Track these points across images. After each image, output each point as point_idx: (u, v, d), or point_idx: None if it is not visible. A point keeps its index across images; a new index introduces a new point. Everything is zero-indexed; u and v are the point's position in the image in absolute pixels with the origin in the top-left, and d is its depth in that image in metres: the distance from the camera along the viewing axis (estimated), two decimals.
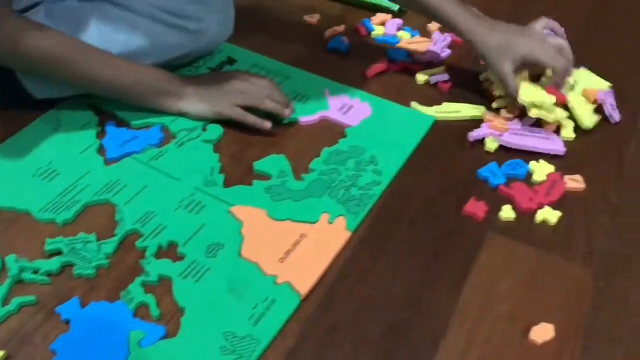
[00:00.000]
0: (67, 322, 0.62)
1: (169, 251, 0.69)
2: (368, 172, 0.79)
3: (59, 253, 0.68)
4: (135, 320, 0.62)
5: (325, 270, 0.68)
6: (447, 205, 0.77)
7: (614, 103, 0.90)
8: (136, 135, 0.82)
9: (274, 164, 0.80)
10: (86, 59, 0.79)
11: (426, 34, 1.06)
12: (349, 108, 0.89)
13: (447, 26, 0.88)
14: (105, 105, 0.86)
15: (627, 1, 1.18)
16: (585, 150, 0.85)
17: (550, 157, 0.82)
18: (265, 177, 0.79)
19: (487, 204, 0.76)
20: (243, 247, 0.69)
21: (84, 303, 0.64)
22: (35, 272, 0.66)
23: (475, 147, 0.84)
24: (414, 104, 0.90)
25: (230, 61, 0.97)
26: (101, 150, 0.81)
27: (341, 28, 1.06)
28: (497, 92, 0.89)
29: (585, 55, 0.93)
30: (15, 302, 0.63)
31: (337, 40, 1.02)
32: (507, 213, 0.75)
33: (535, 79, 0.87)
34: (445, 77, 0.95)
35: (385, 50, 1.01)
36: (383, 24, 1.08)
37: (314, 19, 1.08)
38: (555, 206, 0.76)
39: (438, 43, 1.02)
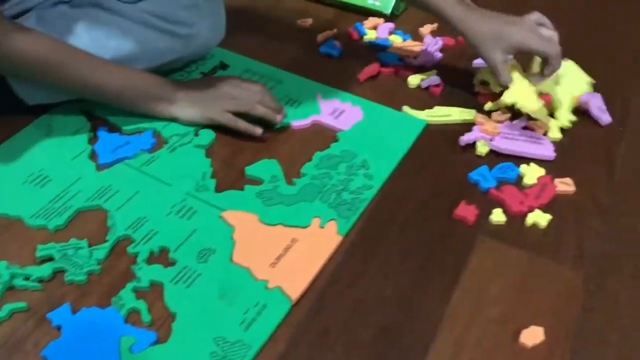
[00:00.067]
0: (58, 328, 0.62)
1: (160, 257, 0.69)
2: (359, 176, 0.79)
3: (50, 259, 0.68)
4: (126, 326, 0.62)
5: (316, 274, 0.68)
6: (438, 208, 0.77)
7: (602, 105, 0.91)
8: (128, 140, 0.83)
9: (265, 168, 0.80)
10: (77, 64, 0.79)
11: (418, 37, 1.06)
12: (341, 112, 0.89)
13: (438, 16, 0.88)
14: (97, 111, 0.86)
15: (617, 2, 1.19)
16: (576, 152, 0.85)
17: (540, 160, 0.83)
18: (256, 181, 0.79)
19: (477, 207, 0.76)
20: (234, 252, 0.69)
21: (75, 309, 0.64)
22: (27, 278, 0.66)
23: (466, 150, 0.85)
24: (406, 108, 0.90)
25: (223, 66, 0.97)
26: (93, 156, 0.81)
27: (333, 32, 1.06)
28: (492, 85, 0.90)
29: (576, 56, 0.93)
30: (6, 308, 0.63)
31: (330, 44, 1.03)
32: (497, 216, 0.75)
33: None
34: (437, 80, 0.95)
35: (377, 54, 1.01)
36: (375, 27, 1.08)
37: (306, 23, 1.09)
38: (545, 209, 0.76)
39: (430, 47, 1.02)
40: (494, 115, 0.88)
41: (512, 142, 0.84)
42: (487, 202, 0.77)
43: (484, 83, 0.94)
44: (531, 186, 0.79)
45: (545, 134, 0.87)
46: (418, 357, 0.62)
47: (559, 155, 0.84)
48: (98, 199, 0.75)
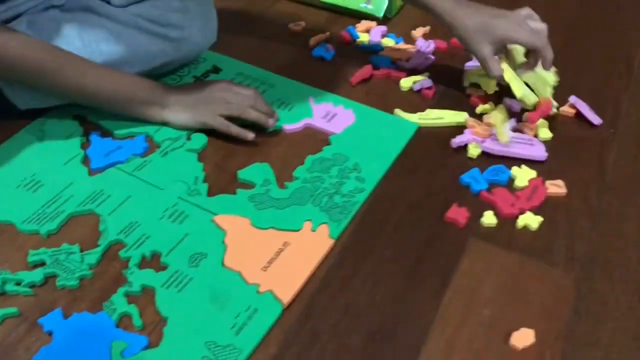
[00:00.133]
0: (50, 333, 0.62)
1: (152, 261, 0.70)
2: (351, 179, 0.80)
3: (42, 264, 0.68)
4: (118, 330, 0.62)
5: (307, 278, 0.68)
6: (429, 211, 0.77)
7: (588, 109, 0.91)
8: (120, 145, 0.83)
9: (257, 172, 0.81)
10: (69, 67, 0.79)
11: (410, 40, 1.07)
12: (333, 115, 0.89)
13: (426, 10, 0.88)
14: (89, 115, 0.86)
15: (610, 5, 1.20)
16: (567, 155, 0.85)
17: (531, 162, 0.83)
18: (249, 185, 0.79)
19: (469, 209, 0.76)
20: (226, 256, 0.70)
21: (67, 314, 0.64)
22: (18, 283, 0.66)
23: (458, 153, 0.85)
24: (398, 111, 0.90)
25: (216, 69, 0.97)
26: (85, 161, 0.81)
27: (326, 35, 1.07)
28: (482, 85, 0.91)
29: (568, 58, 0.93)
30: None
31: (322, 48, 1.03)
32: (488, 219, 0.75)
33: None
34: (429, 83, 0.96)
35: (370, 57, 1.02)
36: (367, 31, 1.09)
37: (298, 26, 1.09)
38: (536, 211, 0.77)
39: (422, 49, 1.02)
40: (485, 118, 0.88)
41: (504, 144, 0.84)
42: (478, 205, 0.77)
43: (473, 85, 0.95)
44: (522, 188, 0.80)
45: (535, 135, 0.87)
46: (409, 359, 0.62)
47: (550, 157, 0.84)
48: (90, 204, 0.75)
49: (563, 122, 0.90)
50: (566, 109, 0.92)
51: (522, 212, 0.76)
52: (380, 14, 1.11)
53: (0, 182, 0.77)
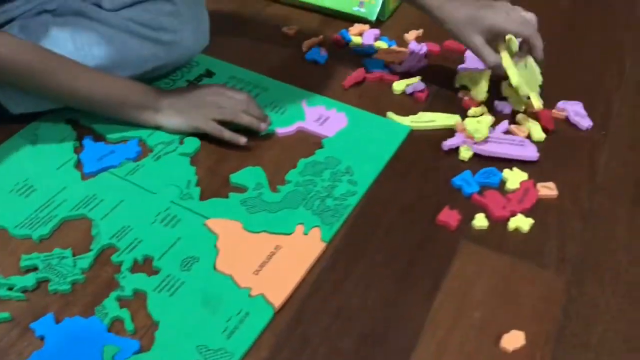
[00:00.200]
0: (42, 338, 0.62)
1: (144, 265, 0.70)
2: (343, 183, 0.80)
3: (34, 269, 0.68)
4: (110, 334, 0.63)
5: (299, 281, 0.69)
6: (421, 214, 0.77)
7: (582, 110, 0.92)
8: (113, 149, 0.83)
9: (250, 175, 0.81)
10: (61, 71, 0.79)
11: (403, 43, 1.07)
12: (326, 119, 0.90)
13: (417, 7, 0.89)
14: (82, 120, 0.86)
15: (604, 4, 1.20)
16: (558, 157, 0.86)
17: (523, 165, 0.83)
18: (241, 189, 0.79)
19: (460, 212, 0.77)
20: (218, 260, 0.70)
21: (59, 318, 0.64)
22: (10, 288, 0.66)
23: (450, 155, 0.85)
24: (390, 114, 0.91)
25: (209, 73, 0.98)
26: (78, 165, 0.81)
27: (319, 39, 1.07)
28: (471, 89, 0.92)
29: (559, 60, 0.94)
30: None
31: (315, 51, 1.03)
32: (480, 221, 0.76)
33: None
34: (422, 86, 0.96)
35: (363, 61, 1.02)
36: (360, 34, 1.09)
37: (291, 30, 1.09)
38: (527, 213, 0.77)
39: (414, 53, 1.03)
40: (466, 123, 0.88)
41: (496, 145, 0.85)
42: (470, 207, 0.78)
43: (464, 88, 0.95)
44: (514, 191, 0.80)
45: (528, 137, 0.87)
46: None
47: (541, 159, 0.84)
48: (83, 208, 0.75)
49: (555, 123, 0.90)
50: (556, 112, 0.92)
51: (513, 215, 0.76)
52: (373, 17, 1.11)
53: None
